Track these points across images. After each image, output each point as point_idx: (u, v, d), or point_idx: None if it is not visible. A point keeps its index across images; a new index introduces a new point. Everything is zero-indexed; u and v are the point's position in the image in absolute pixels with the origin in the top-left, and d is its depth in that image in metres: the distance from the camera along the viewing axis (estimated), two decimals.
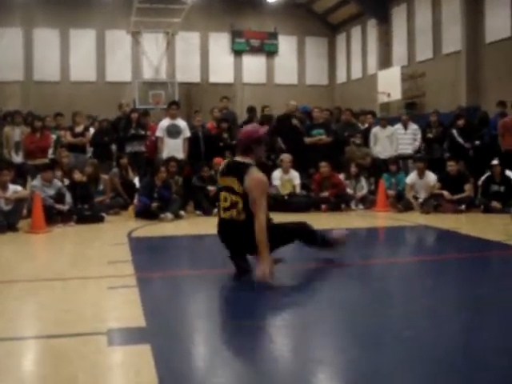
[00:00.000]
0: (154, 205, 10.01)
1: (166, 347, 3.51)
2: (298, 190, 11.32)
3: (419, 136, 12.80)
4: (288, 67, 25.47)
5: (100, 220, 9.74)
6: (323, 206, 10.97)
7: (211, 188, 10.85)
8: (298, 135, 12.32)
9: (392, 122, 13.44)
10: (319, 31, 25.86)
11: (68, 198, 9.68)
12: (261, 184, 5.16)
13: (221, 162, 11.36)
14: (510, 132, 11.51)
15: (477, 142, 12.15)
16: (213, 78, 24.51)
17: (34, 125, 11.30)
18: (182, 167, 11.28)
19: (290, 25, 25.18)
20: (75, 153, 11.83)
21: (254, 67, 25.09)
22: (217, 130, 12.48)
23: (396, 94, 19.34)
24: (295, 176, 11.31)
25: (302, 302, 4.70)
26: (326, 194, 11.15)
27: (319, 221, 9.13)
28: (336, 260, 6.05)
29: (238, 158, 5.44)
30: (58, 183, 9.77)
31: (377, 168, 12.32)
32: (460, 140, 12.23)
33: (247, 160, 5.34)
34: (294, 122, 12.51)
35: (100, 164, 11.47)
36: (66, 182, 10.34)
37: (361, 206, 11.50)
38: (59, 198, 9.56)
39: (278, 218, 6.03)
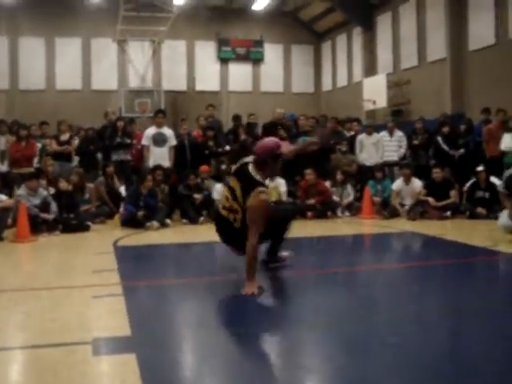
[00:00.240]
0: (140, 213, 9.98)
1: (151, 356, 3.48)
2: (284, 197, 11.32)
3: (405, 143, 12.86)
4: (274, 75, 25.52)
5: (85, 229, 9.69)
6: (309, 214, 10.96)
7: (197, 196, 10.85)
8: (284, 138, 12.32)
9: (378, 129, 13.49)
10: (305, 39, 25.94)
11: (53, 206, 9.62)
12: (261, 210, 5.07)
13: (207, 170, 11.49)
14: (495, 139, 11.59)
15: (461, 151, 12.23)
16: (199, 86, 24.50)
17: (20, 133, 11.26)
18: (168, 175, 11.25)
19: (275, 33, 25.24)
20: (60, 161, 11.78)
21: (240, 75, 25.12)
22: (203, 138, 12.48)
23: (381, 102, 19.42)
24: (281, 183, 11.29)
25: (289, 310, 4.69)
26: (312, 201, 11.15)
27: (305, 228, 9.15)
28: (322, 267, 6.05)
29: (251, 170, 5.30)
30: (43, 192, 9.71)
31: (363, 175, 12.35)
32: (445, 147, 12.31)
33: (259, 176, 5.25)
34: (281, 132, 12.50)
35: (86, 173, 11.44)
36: (52, 190, 10.29)
37: (347, 213, 11.52)
38: (44, 206, 9.50)
39: None
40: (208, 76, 24.67)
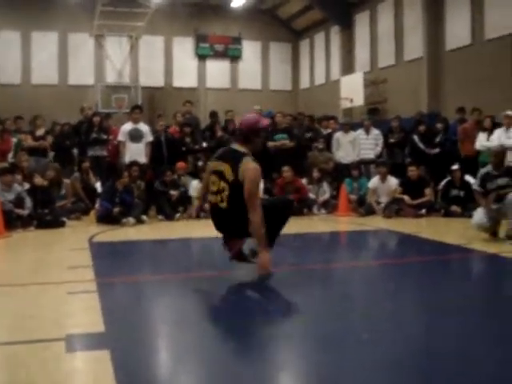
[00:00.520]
0: (116, 209, 9.94)
1: (125, 353, 3.47)
2: (260, 194, 11.31)
3: (381, 141, 12.94)
4: (252, 72, 25.49)
5: (61, 225, 9.63)
6: None
7: (173, 193, 10.82)
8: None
9: (355, 127, 13.55)
10: (283, 37, 25.94)
11: (28, 202, 9.55)
12: (255, 175, 5.22)
13: (183, 167, 11.46)
14: (470, 138, 11.69)
15: (437, 149, 12.32)
16: (176, 83, 24.39)
17: None
18: (144, 172, 11.22)
19: (254, 30, 25.21)
20: (36, 157, 11.68)
21: (217, 72, 25.04)
22: (180, 135, 12.44)
23: (359, 100, 19.50)
24: None
25: (264, 307, 4.70)
26: None
27: None
28: (298, 264, 6.07)
29: (235, 147, 5.50)
30: (17, 187, 9.63)
31: (339, 173, 12.42)
32: (421, 145, 12.40)
33: (244, 149, 5.40)
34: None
35: (61, 168, 11.34)
36: (27, 186, 10.19)
37: (323, 211, 11.57)
38: (19, 202, 9.43)
39: None
40: (186, 72, 24.56)
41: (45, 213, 9.77)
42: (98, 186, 11.55)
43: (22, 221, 9.36)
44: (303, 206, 11.29)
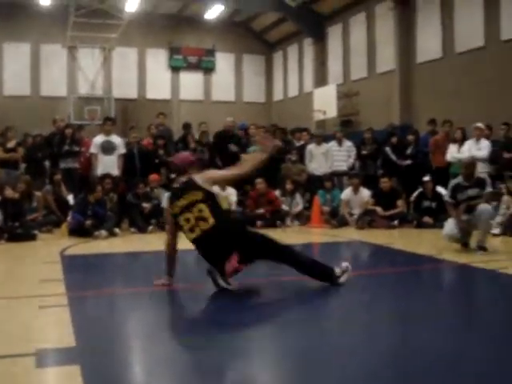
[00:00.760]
0: (88, 222, 9.87)
1: (96, 368, 3.43)
2: (233, 206, 11.30)
3: (354, 153, 13.03)
4: (225, 84, 25.53)
5: (32, 238, 9.52)
6: (258, 223, 10.98)
7: (146, 205, 10.77)
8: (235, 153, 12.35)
9: (328, 139, 13.63)
10: (257, 49, 26.04)
11: None
12: (212, 171, 5.96)
13: (156, 179, 11.40)
14: (441, 149, 11.83)
15: (408, 161, 12.44)
16: (150, 94, 24.34)
17: None
18: (116, 184, 11.16)
19: (227, 42, 25.26)
20: (7, 169, 11.56)
21: (191, 84, 25.03)
22: (153, 147, 12.41)
23: (332, 112, 19.60)
24: (232, 193, 11.29)
25: (237, 319, 4.68)
26: (261, 210, 11.19)
27: None
28: (272, 275, 6.07)
29: (181, 180, 5.63)
30: None
31: (312, 184, 12.48)
32: (393, 157, 12.53)
33: (188, 176, 5.52)
34: (232, 147, 12.52)
35: (33, 180, 11.23)
36: None
37: (296, 222, 11.61)
38: None
39: None
40: (159, 84, 24.51)
41: (16, 226, 9.66)
42: (70, 198, 11.45)
43: None
44: (276, 218, 11.31)
